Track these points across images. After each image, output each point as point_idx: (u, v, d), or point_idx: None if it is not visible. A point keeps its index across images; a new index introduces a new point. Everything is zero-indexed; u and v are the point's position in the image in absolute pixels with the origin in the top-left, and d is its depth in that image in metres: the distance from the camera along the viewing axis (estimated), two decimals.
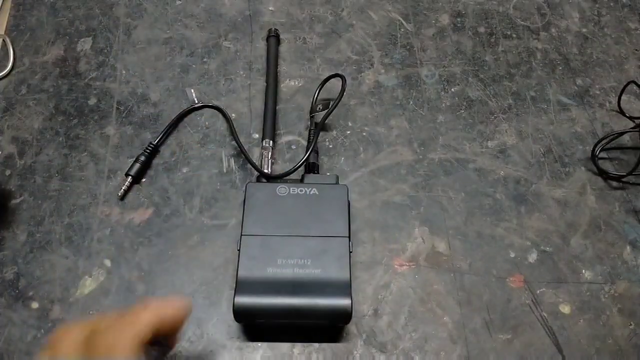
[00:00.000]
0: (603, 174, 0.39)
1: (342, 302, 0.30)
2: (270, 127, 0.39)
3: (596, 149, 0.39)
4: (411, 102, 0.42)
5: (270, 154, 0.38)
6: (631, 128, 0.40)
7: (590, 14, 0.47)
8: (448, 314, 0.33)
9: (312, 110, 0.40)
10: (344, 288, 0.30)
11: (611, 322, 0.33)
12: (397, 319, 0.33)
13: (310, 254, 0.31)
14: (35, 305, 0.34)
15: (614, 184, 0.38)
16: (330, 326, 0.33)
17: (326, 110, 0.38)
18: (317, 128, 0.38)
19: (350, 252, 0.32)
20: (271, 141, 0.38)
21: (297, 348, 0.32)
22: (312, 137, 0.38)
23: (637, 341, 0.33)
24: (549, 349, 0.33)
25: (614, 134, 0.40)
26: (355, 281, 0.35)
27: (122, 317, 0.25)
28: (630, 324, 0.33)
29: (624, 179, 0.38)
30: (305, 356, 0.32)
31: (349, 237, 0.32)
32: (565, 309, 0.34)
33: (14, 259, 0.35)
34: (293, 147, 0.40)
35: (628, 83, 0.41)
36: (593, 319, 0.34)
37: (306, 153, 0.36)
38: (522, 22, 0.46)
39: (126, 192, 0.37)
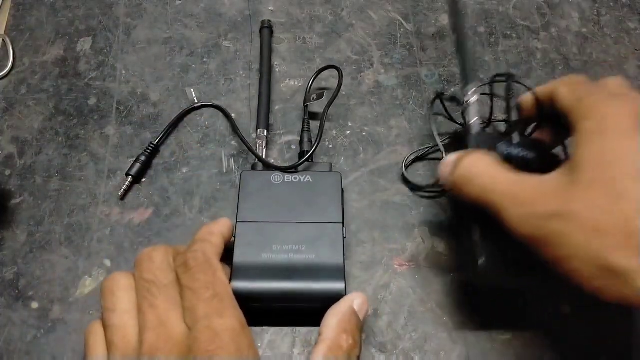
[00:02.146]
0: (408, 184, 0.38)
1: (336, 285, 0.30)
2: (265, 117, 0.39)
3: (405, 163, 0.38)
4: (411, 102, 0.42)
5: (264, 142, 0.38)
6: (433, 145, 0.38)
7: (590, 14, 0.47)
8: (448, 314, 0.34)
9: (306, 100, 0.40)
10: (338, 272, 0.31)
11: (611, 322, 0.33)
12: (397, 319, 0.33)
13: (305, 239, 0.32)
14: (35, 305, 0.34)
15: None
16: (325, 310, 0.33)
17: (321, 99, 0.38)
18: (323, 118, 0.37)
19: (344, 237, 0.32)
20: (265, 130, 0.38)
21: (297, 348, 0.32)
22: (306, 127, 0.38)
23: (637, 341, 0.33)
24: (549, 349, 0.33)
25: (420, 149, 0.39)
26: (355, 281, 0.35)
27: (196, 239, 0.29)
28: (630, 324, 0.33)
29: (427, 190, 0.37)
30: (305, 356, 0.32)
31: (343, 223, 0.33)
32: (565, 309, 0.34)
33: (14, 259, 0.35)
34: (293, 147, 0.40)
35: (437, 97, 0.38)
36: (593, 318, 0.34)
37: (315, 143, 0.36)
38: (522, 22, 0.46)
39: (126, 192, 0.37)
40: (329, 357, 0.27)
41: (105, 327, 0.27)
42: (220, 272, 0.27)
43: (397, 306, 0.34)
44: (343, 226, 0.33)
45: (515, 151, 0.31)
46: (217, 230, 0.30)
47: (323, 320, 0.29)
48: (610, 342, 0.33)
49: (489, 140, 0.31)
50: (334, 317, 0.28)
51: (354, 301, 0.29)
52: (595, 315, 0.34)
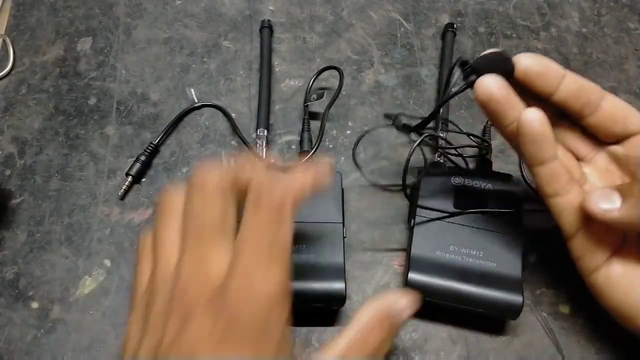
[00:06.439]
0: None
1: (337, 285, 0.30)
2: (265, 116, 0.39)
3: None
4: (411, 102, 0.42)
5: (265, 142, 0.38)
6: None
7: (590, 14, 0.47)
8: (448, 314, 0.33)
9: (306, 100, 0.40)
10: (338, 272, 0.31)
11: (611, 322, 0.33)
12: None
13: (305, 239, 0.32)
14: (35, 305, 0.34)
15: None
16: (326, 309, 0.33)
17: (322, 99, 0.39)
18: (323, 119, 0.38)
19: (344, 237, 0.32)
20: (265, 130, 0.38)
21: (297, 348, 0.32)
22: (306, 126, 0.38)
23: (637, 341, 0.33)
24: (549, 349, 0.33)
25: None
26: (355, 281, 0.35)
27: (285, 181, 0.24)
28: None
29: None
30: (305, 356, 0.32)
31: (343, 223, 0.33)
32: (565, 309, 0.34)
33: (14, 259, 0.35)
34: (293, 147, 0.40)
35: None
36: (593, 319, 0.34)
37: (315, 143, 0.36)
38: (522, 22, 0.46)
39: (126, 191, 0.37)
40: (356, 340, 0.24)
41: (154, 241, 0.25)
42: (288, 228, 0.23)
43: None
44: (343, 226, 0.33)
45: (469, 183, 0.34)
46: (317, 181, 0.25)
47: (356, 313, 0.25)
48: (610, 341, 0.33)
49: (443, 177, 0.34)
50: (370, 311, 0.25)
51: (399, 300, 0.25)
52: (595, 315, 0.34)
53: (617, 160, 0.29)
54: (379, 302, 0.25)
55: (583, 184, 0.29)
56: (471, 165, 0.38)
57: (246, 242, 0.22)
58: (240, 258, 0.22)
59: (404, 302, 0.25)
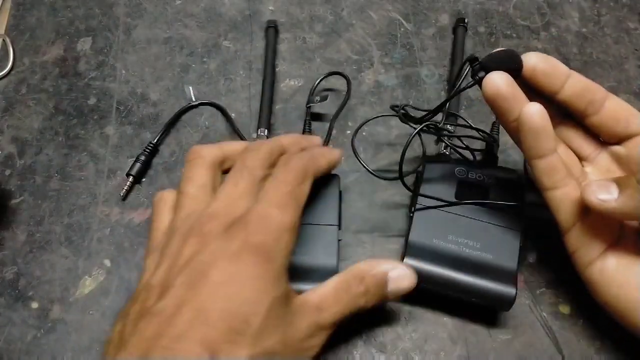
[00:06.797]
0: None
1: None
2: (266, 116, 0.39)
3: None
4: (411, 102, 0.42)
5: None
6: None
7: (590, 14, 0.47)
8: (448, 314, 0.33)
9: (309, 102, 0.40)
10: (331, 274, 0.30)
11: (611, 322, 0.33)
12: (397, 319, 0.33)
13: (300, 241, 0.31)
14: (35, 305, 0.34)
15: None
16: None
17: (325, 101, 0.39)
18: (331, 127, 0.38)
19: (339, 240, 0.32)
20: (266, 130, 0.39)
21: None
22: (307, 128, 0.39)
23: (638, 341, 0.33)
24: (549, 349, 0.33)
25: None
26: None
27: (312, 151, 0.31)
28: None
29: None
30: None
31: (339, 225, 0.33)
32: (565, 309, 0.34)
33: (13, 259, 0.35)
34: None
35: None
36: (593, 318, 0.34)
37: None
38: (522, 22, 0.46)
39: (128, 192, 0.37)
40: (335, 288, 0.28)
41: (179, 192, 0.29)
42: (307, 187, 0.28)
43: (397, 306, 0.34)
44: (339, 228, 0.32)
45: (472, 175, 0.34)
46: (331, 160, 0.31)
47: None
48: (610, 341, 0.33)
49: (447, 168, 0.34)
50: (362, 264, 0.29)
51: (393, 270, 0.29)
52: (595, 315, 0.34)
53: (619, 161, 0.29)
54: (365, 261, 0.29)
55: (582, 181, 0.29)
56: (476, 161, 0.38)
57: (272, 186, 0.27)
58: (265, 196, 0.26)
59: (397, 272, 0.29)
